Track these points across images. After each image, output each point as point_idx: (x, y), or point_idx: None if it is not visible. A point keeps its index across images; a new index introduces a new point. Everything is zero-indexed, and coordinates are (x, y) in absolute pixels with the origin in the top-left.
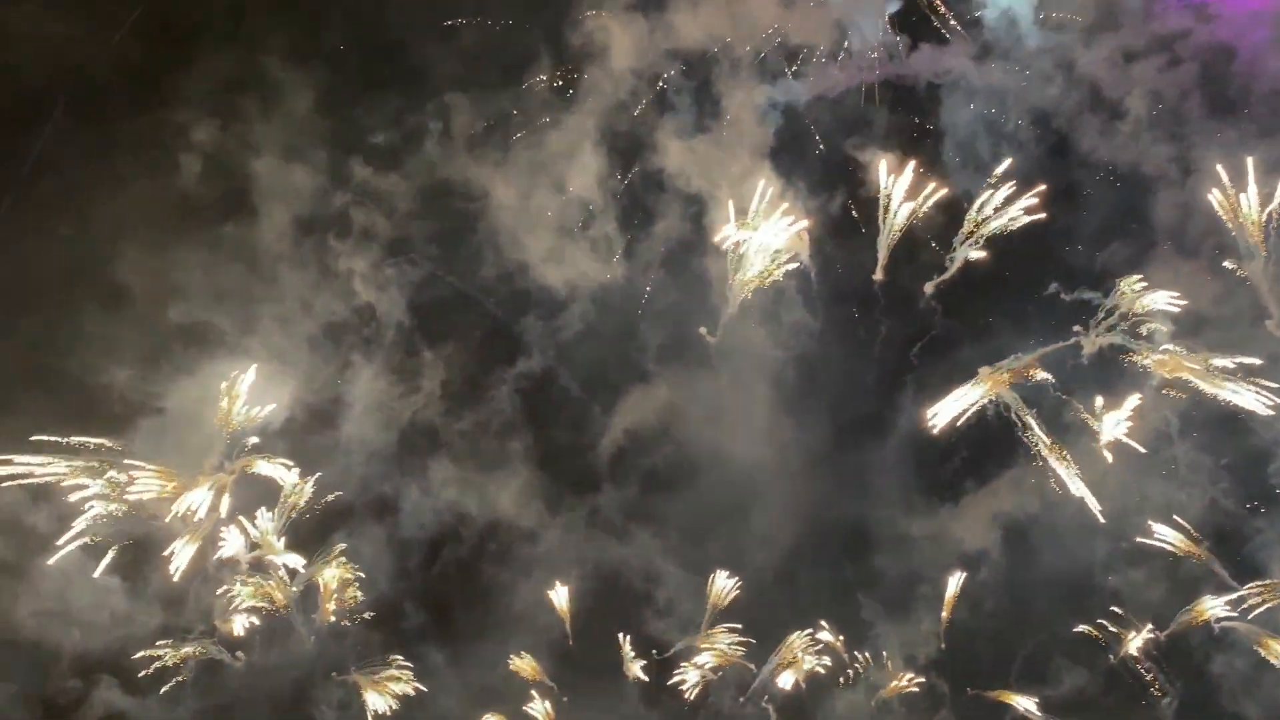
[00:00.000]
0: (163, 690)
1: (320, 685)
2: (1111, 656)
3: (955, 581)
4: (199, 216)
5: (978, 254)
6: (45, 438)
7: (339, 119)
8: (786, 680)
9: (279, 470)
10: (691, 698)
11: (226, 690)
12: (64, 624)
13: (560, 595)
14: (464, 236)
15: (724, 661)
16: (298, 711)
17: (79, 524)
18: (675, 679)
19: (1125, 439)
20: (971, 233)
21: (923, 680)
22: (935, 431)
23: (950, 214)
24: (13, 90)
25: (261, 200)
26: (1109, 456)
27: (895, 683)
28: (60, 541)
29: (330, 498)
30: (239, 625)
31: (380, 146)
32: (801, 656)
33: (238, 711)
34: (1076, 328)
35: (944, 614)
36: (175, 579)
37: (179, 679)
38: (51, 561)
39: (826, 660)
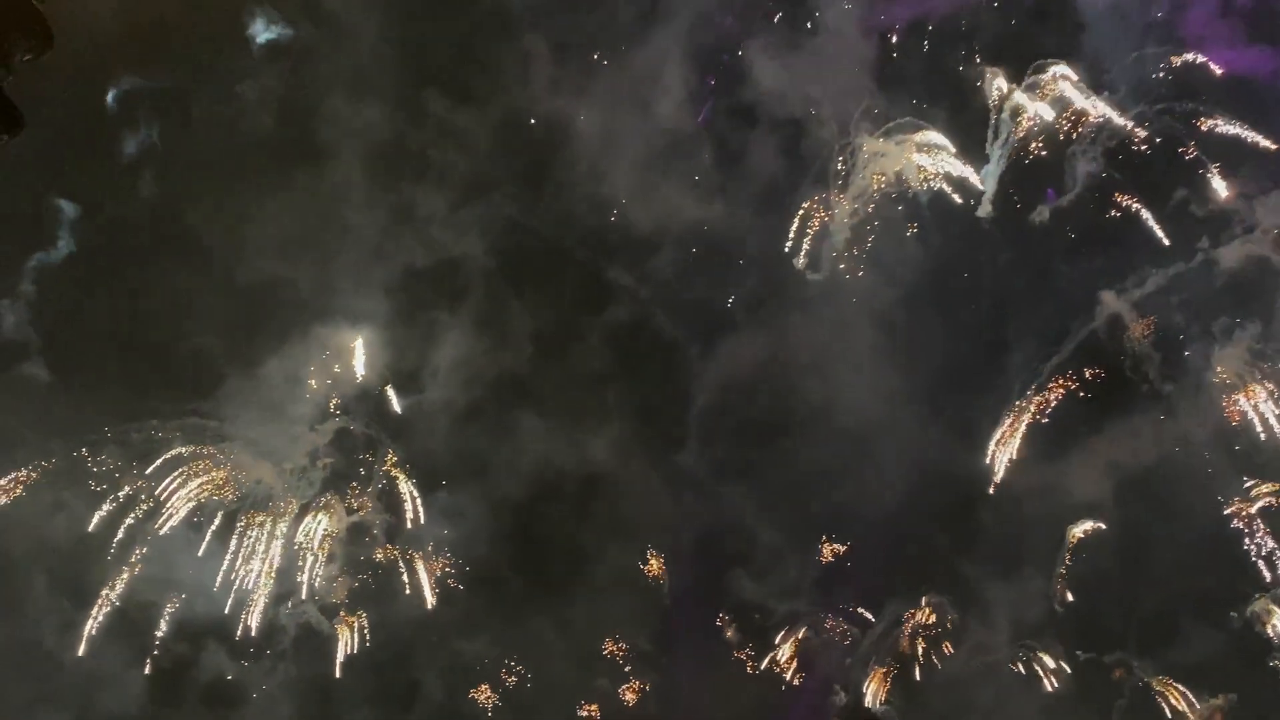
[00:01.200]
0: (267, 654)
1: (422, 650)
2: (1236, 615)
3: (1073, 537)
4: (271, 165)
5: (1100, 171)
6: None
7: (412, 53)
8: (893, 644)
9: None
10: (793, 666)
11: (329, 656)
12: (173, 590)
13: (658, 562)
14: (548, 175)
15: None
16: (402, 677)
17: (184, 492)
18: (775, 645)
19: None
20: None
21: (1035, 644)
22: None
23: (1065, 141)
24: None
25: (336, 146)
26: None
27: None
28: (166, 509)
29: (422, 460)
30: (341, 592)
31: (457, 81)
32: (911, 620)
33: (341, 676)
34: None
35: (1059, 572)
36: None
37: (282, 646)
38: (161, 529)
39: (935, 623)
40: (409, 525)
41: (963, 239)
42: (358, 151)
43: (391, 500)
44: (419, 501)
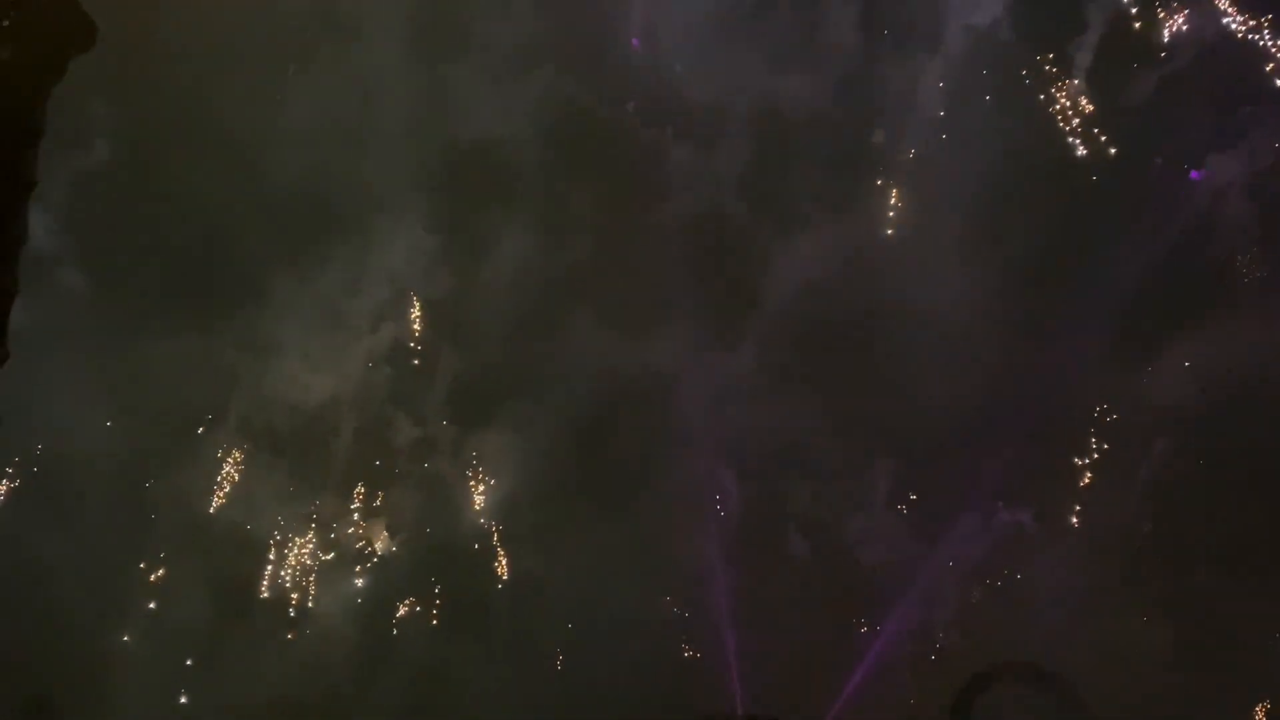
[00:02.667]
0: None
1: (483, 567)
2: None
3: (1158, 451)
4: (307, 48)
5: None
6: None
7: None
8: (960, 562)
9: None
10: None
11: (390, 571)
12: (228, 506)
13: (727, 478)
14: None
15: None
16: (465, 595)
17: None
18: (839, 563)
19: None
20: None
21: (1118, 560)
22: None
23: None
24: None
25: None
26: None
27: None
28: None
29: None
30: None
31: None
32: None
33: (405, 592)
34: None
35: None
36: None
37: (341, 567)
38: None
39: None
40: (466, 441)
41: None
42: (395, 32)
43: (452, 413)
44: (476, 414)
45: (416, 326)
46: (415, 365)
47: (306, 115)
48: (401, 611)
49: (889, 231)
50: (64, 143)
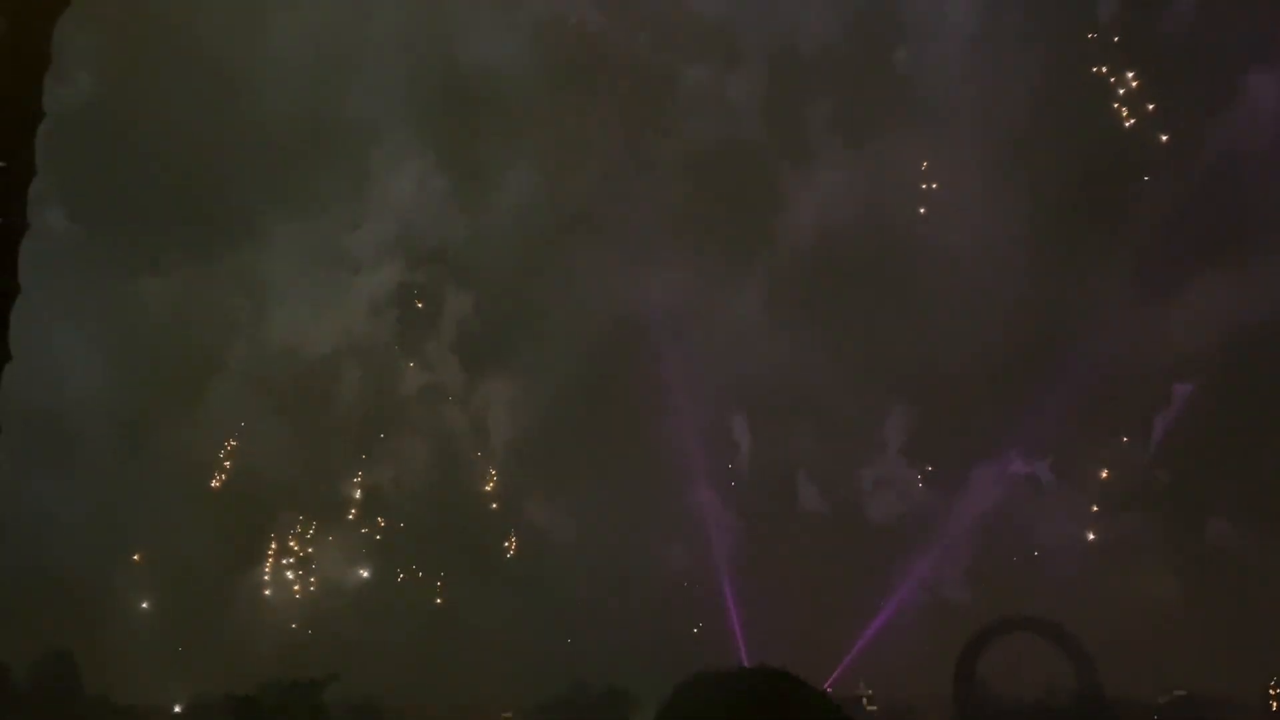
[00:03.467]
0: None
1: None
2: None
3: (1178, 396)
4: None
5: None
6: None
7: None
8: (978, 508)
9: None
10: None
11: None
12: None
13: (739, 424)
14: None
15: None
16: (474, 542)
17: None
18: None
19: None
20: None
21: (1132, 513)
22: None
23: None
24: None
25: None
26: None
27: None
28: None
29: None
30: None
31: None
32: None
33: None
34: None
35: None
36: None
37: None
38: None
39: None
40: (475, 385)
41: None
42: None
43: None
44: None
45: (418, 265)
46: (420, 308)
47: (299, 41)
48: (409, 559)
49: (910, 165)
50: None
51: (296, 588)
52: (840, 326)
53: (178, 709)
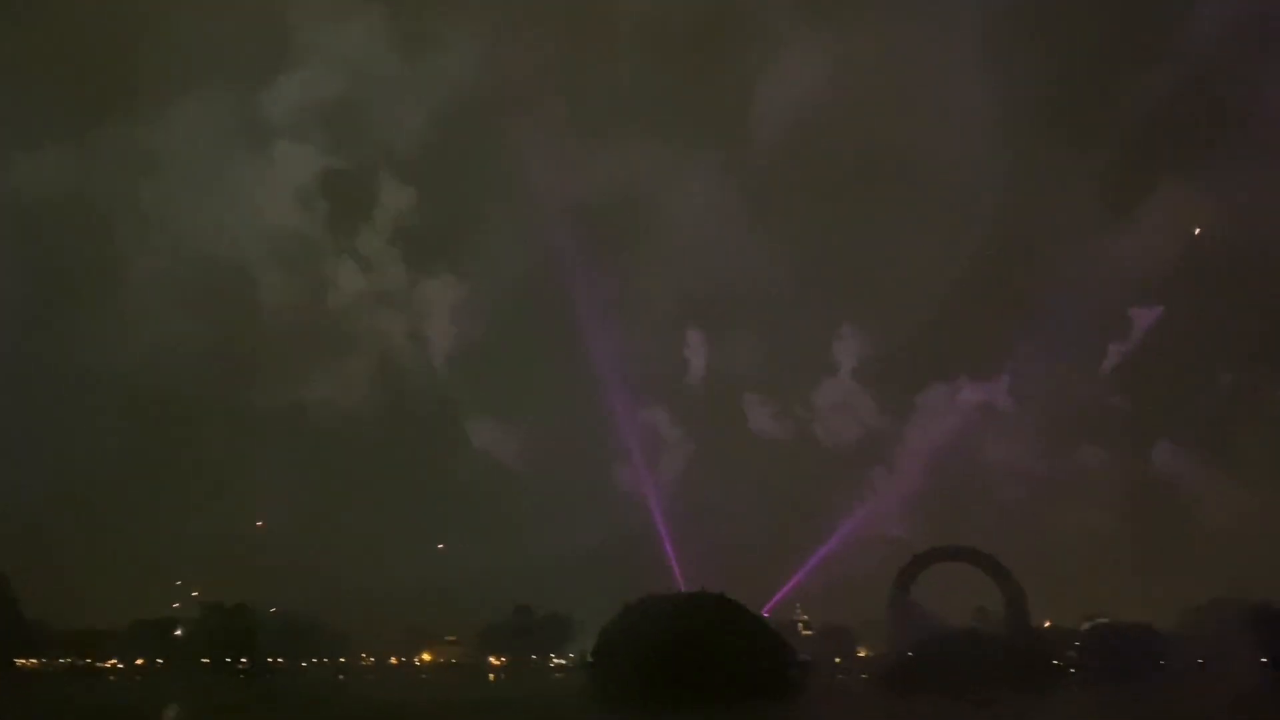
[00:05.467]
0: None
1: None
2: None
3: (1141, 319)
4: None
5: None
6: None
7: None
8: (928, 435)
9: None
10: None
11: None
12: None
13: (694, 341)
14: None
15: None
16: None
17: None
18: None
19: None
20: None
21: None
22: None
23: None
24: None
25: None
26: None
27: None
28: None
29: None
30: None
31: None
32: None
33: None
34: None
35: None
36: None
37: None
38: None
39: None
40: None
41: None
42: None
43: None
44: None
45: (350, 145)
46: (353, 197)
47: None
48: (349, 476)
49: (880, 55)
50: None
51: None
52: (801, 235)
53: (116, 632)
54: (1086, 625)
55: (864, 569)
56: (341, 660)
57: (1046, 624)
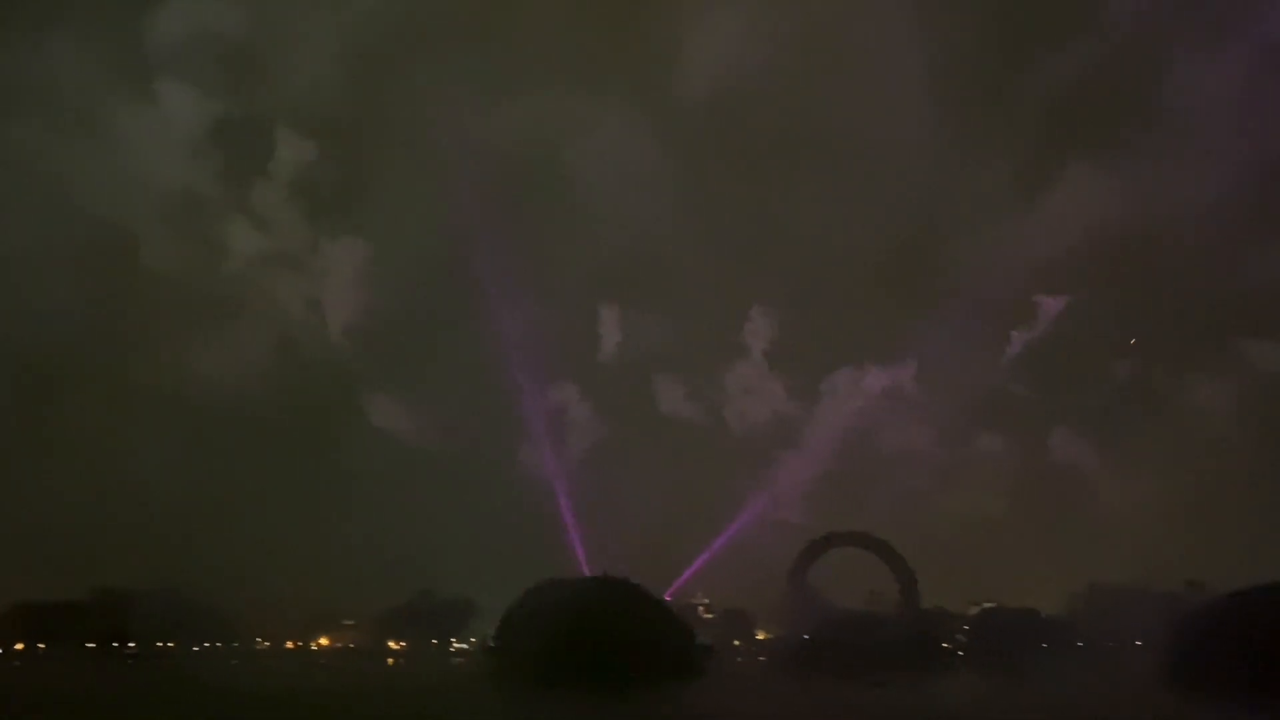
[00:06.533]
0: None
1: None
2: None
3: (1046, 306)
4: None
5: None
6: None
7: None
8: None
9: None
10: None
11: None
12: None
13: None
14: None
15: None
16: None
17: None
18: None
19: None
20: None
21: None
22: None
23: None
24: None
25: None
26: None
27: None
28: None
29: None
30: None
31: None
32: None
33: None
34: None
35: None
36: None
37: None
38: None
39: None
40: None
41: None
42: None
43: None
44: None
45: (246, 91)
46: (249, 149)
47: None
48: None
49: (810, 21)
50: None
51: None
52: (717, 206)
53: None
54: (974, 609)
55: (766, 553)
56: (235, 645)
57: (937, 608)
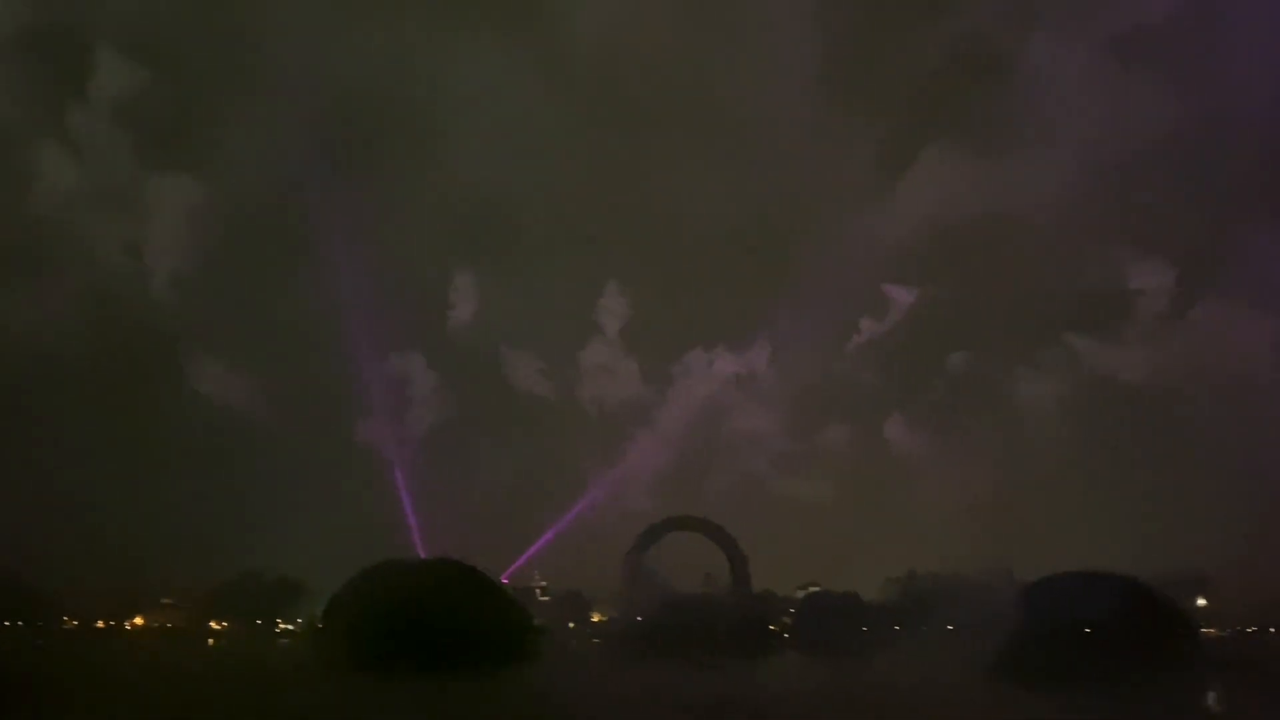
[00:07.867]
0: None
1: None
2: None
3: (894, 295)
4: None
5: None
6: None
7: None
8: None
9: None
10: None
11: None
12: None
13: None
14: None
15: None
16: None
17: None
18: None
19: None
20: None
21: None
22: None
23: None
24: None
25: None
26: None
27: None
28: None
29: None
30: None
31: None
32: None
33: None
34: None
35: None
36: None
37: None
38: None
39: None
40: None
41: None
42: None
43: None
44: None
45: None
46: (67, 65)
47: None
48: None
49: None
50: None
51: None
52: (585, 172)
53: None
54: (800, 593)
55: (606, 536)
56: (39, 624)
57: (767, 591)
